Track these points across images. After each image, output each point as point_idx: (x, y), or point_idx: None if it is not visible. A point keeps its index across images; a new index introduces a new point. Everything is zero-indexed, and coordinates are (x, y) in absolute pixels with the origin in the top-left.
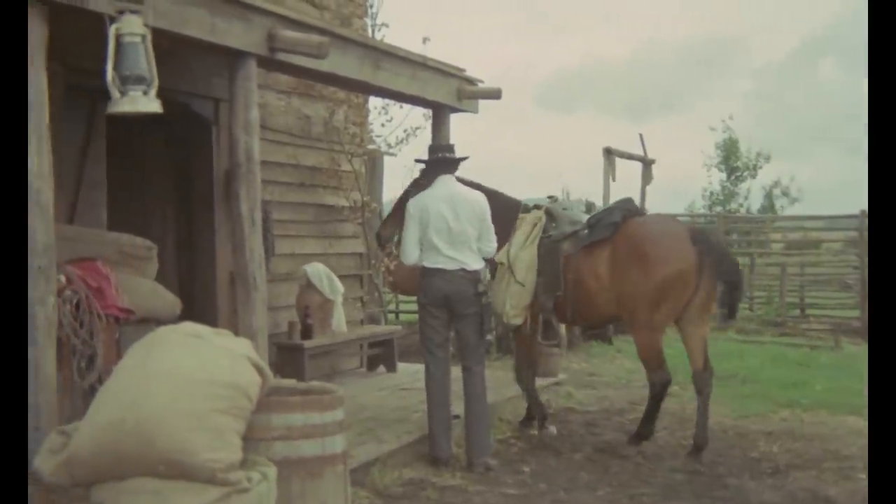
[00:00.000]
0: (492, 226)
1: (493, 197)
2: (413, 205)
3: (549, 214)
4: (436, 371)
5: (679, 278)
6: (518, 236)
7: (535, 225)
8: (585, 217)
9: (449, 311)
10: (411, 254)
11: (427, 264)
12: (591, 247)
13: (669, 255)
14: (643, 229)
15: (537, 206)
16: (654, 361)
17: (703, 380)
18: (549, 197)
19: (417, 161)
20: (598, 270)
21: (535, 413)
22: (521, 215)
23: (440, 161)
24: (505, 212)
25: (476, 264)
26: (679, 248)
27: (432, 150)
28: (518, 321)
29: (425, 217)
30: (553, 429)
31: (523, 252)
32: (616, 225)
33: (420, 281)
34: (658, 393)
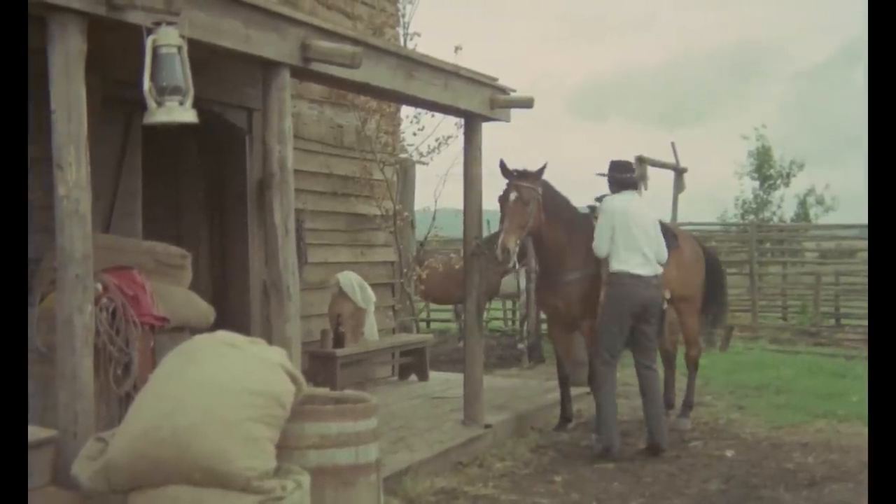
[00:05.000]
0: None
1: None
2: (607, 203)
3: None
4: (603, 369)
5: None
6: None
7: None
8: None
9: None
10: (603, 248)
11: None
12: None
13: (703, 255)
14: (689, 238)
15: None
16: (697, 338)
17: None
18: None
19: (600, 175)
20: (670, 271)
21: (569, 413)
22: None
23: (625, 180)
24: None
25: (639, 270)
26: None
27: (617, 168)
28: None
29: (619, 219)
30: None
31: None
32: (676, 236)
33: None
34: (697, 364)
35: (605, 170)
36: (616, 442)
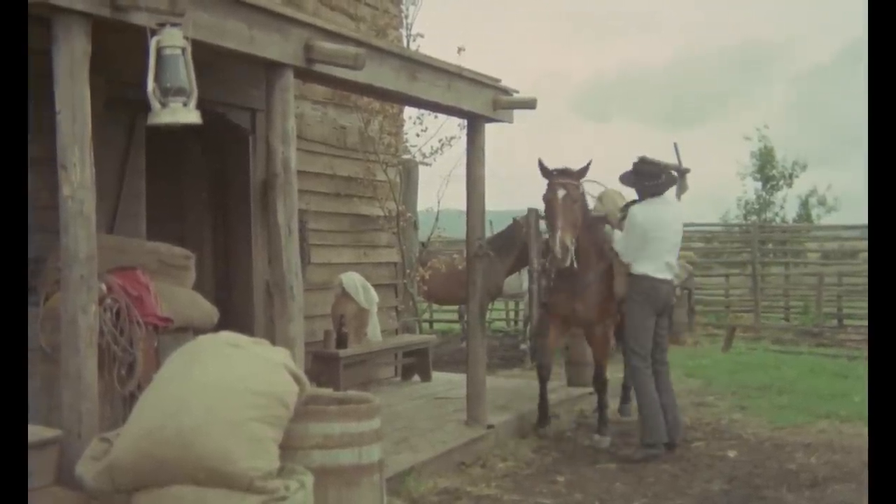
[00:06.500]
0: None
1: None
2: (633, 214)
3: None
4: (641, 366)
5: None
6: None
7: None
8: None
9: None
10: (630, 255)
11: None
12: None
13: None
14: None
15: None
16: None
17: None
18: None
19: (624, 180)
20: None
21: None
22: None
23: (651, 188)
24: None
25: (662, 275)
26: None
27: (642, 174)
28: None
29: (645, 229)
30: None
31: None
32: None
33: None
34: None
35: (630, 166)
36: (664, 439)
